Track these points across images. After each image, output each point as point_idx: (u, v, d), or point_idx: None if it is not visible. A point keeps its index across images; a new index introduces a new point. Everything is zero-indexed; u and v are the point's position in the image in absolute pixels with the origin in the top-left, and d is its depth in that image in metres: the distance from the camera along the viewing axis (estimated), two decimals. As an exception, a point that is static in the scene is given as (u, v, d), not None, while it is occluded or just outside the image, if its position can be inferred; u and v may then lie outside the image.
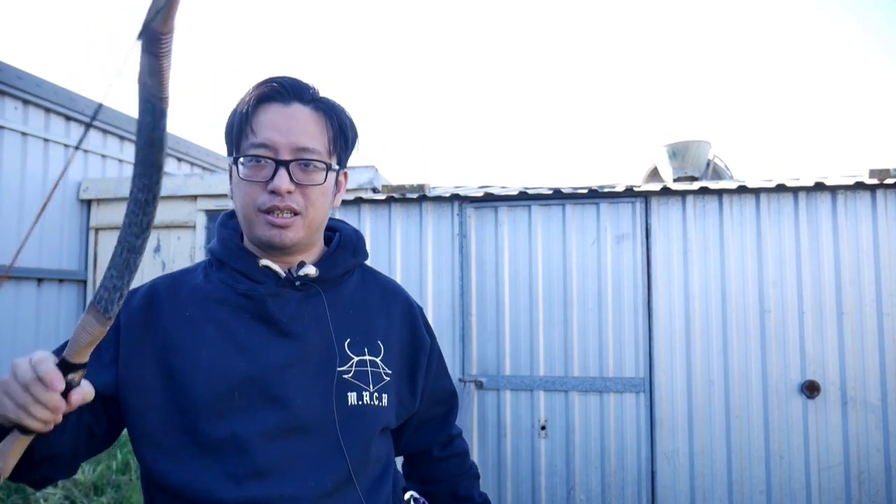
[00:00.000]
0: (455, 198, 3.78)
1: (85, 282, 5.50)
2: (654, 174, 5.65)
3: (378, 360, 1.04)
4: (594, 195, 3.67)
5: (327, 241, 1.13)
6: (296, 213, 0.98)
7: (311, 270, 1.02)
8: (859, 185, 3.43)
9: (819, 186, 3.46)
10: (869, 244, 3.42)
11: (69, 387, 0.73)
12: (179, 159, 7.00)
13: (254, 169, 0.98)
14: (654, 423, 3.50)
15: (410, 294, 1.21)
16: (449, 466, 1.25)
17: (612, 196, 3.66)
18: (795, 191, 3.50)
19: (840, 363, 3.38)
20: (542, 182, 6.16)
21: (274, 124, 0.97)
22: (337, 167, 1.04)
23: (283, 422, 0.94)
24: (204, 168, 7.36)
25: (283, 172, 0.96)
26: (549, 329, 3.63)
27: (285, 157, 0.97)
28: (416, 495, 1.22)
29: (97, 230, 5.53)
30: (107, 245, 5.50)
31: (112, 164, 6.01)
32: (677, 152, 5.24)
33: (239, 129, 0.99)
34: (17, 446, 0.75)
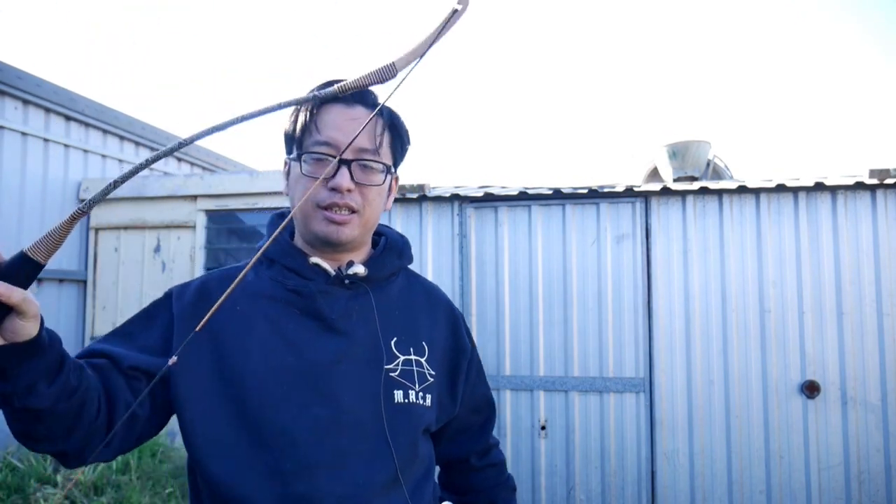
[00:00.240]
0: (455, 198, 3.78)
1: (85, 282, 5.49)
2: (654, 174, 5.65)
3: (423, 360, 1.06)
4: (594, 195, 3.67)
5: (373, 244, 1.15)
6: (353, 211, 1.00)
7: (360, 269, 1.04)
8: (859, 185, 3.43)
9: (819, 186, 3.46)
10: (869, 244, 3.42)
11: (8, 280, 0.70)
12: (179, 159, 7.00)
13: (316, 166, 1.00)
14: (654, 423, 3.50)
15: None
16: (487, 477, 1.25)
17: (612, 196, 3.66)
18: (795, 191, 3.50)
19: (840, 363, 3.38)
20: (542, 182, 6.16)
21: (337, 124, 1.00)
22: (394, 170, 1.07)
23: (332, 417, 0.95)
24: (204, 168, 7.36)
25: (344, 171, 0.98)
26: (549, 329, 3.63)
27: (347, 156, 0.98)
28: None
29: (97, 230, 5.52)
30: (107, 245, 5.50)
31: (112, 164, 6.00)
32: (677, 152, 5.24)
33: (303, 126, 1.01)
34: None
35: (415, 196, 3.74)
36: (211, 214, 5.29)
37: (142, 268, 5.42)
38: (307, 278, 1.02)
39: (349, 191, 0.98)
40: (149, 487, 4.25)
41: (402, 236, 1.17)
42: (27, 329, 0.73)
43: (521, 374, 3.60)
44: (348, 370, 0.98)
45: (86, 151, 5.73)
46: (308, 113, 1.01)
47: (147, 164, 0.72)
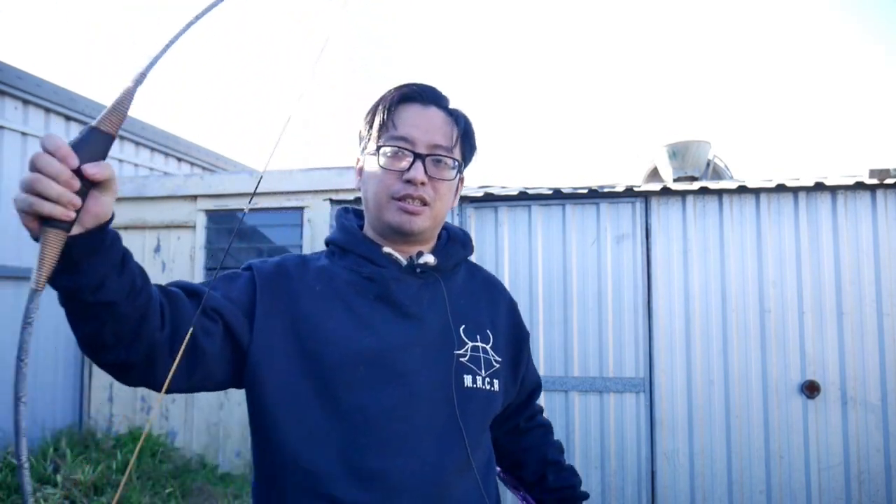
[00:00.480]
0: (455, 198, 3.78)
1: (85, 282, 5.50)
2: (654, 174, 5.65)
3: (488, 347, 1.11)
4: (594, 195, 3.67)
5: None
6: (425, 203, 1.05)
7: (430, 259, 1.10)
8: (859, 185, 3.43)
9: (819, 186, 3.46)
10: (869, 244, 3.42)
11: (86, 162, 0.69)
12: (179, 159, 7.00)
13: (393, 159, 1.05)
14: (654, 423, 3.50)
15: None
16: (534, 435, 1.31)
17: (612, 196, 3.66)
18: (795, 191, 3.50)
19: (840, 363, 3.38)
20: (542, 182, 6.16)
21: (413, 121, 1.06)
22: (463, 168, 1.13)
23: (407, 397, 0.99)
24: (204, 168, 7.36)
25: (419, 164, 1.04)
26: (549, 329, 3.63)
27: (422, 151, 1.05)
28: (503, 475, 1.30)
29: (97, 230, 5.53)
30: (107, 245, 5.50)
31: (112, 164, 6.01)
32: (677, 152, 5.24)
33: (381, 122, 1.07)
34: (48, 247, 0.69)
35: (415, 196, 3.74)
36: (211, 214, 5.28)
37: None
38: (381, 266, 1.07)
39: (423, 183, 1.04)
40: (149, 487, 4.25)
41: (462, 230, 1.23)
42: (110, 207, 0.74)
43: (521, 374, 3.60)
44: (421, 354, 1.03)
45: (86, 151, 5.73)
46: (387, 109, 1.07)
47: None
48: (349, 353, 0.99)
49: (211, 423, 5.10)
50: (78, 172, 0.69)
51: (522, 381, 1.23)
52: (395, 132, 1.05)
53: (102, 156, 0.71)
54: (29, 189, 0.67)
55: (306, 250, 4.97)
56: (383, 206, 1.06)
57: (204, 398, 5.07)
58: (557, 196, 3.69)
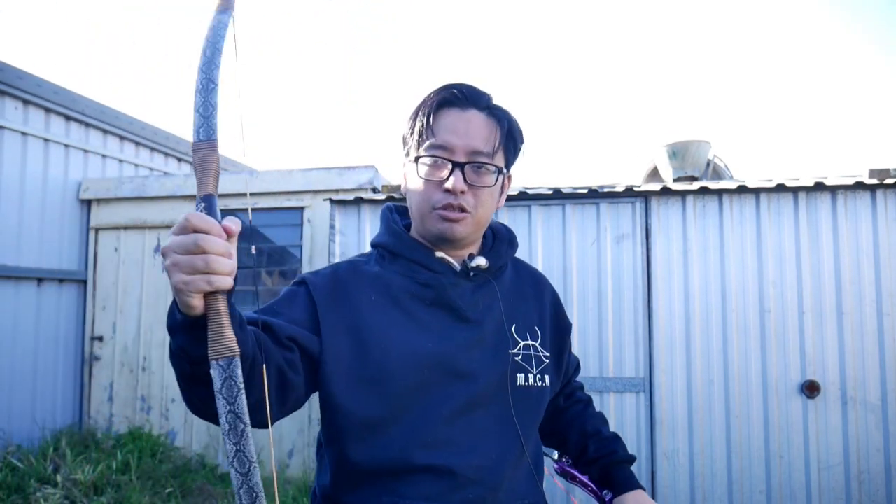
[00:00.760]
0: (455, 198, 3.78)
1: (85, 282, 5.49)
2: (654, 174, 5.65)
3: (537, 344, 1.15)
4: (594, 195, 3.67)
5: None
6: (465, 211, 1.06)
7: (481, 262, 1.11)
8: (859, 185, 3.43)
9: (819, 186, 3.46)
10: (869, 244, 3.42)
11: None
12: (179, 159, 7.00)
13: (432, 169, 1.06)
14: (654, 423, 3.50)
15: None
16: (574, 410, 1.33)
17: (612, 196, 3.66)
18: (795, 191, 3.50)
19: (840, 363, 3.38)
20: (542, 182, 6.16)
21: (452, 128, 1.05)
22: (505, 171, 1.12)
23: (469, 397, 1.03)
24: (204, 168, 7.36)
25: (458, 173, 1.04)
26: (549, 329, 3.62)
27: (461, 158, 1.05)
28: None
29: (97, 230, 5.52)
30: (107, 245, 5.49)
31: (112, 164, 6.00)
32: (677, 152, 5.24)
33: (420, 129, 1.07)
34: (219, 314, 0.71)
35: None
36: (211, 214, 5.28)
37: (142, 268, 5.42)
38: (436, 272, 1.09)
39: (462, 192, 1.04)
40: (149, 487, 4.25)
41: (506, 226, 1.24)
42: (235, 261, 0.76)
43: (521, 374, 3.60)
44: (480, 356, 1.06)
45: (86, 151, 5.73)
46: (426, 117, 1.07)
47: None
48: (412, 357, 1.02)
49: (210, 424, 5.10)
50: None
51: (565, 371, 1.27)
52: (433, 140, 1.05)
53: (218, 214, 0.74)
54: (204, 270, 0.70)
55: (306, 250, 4.97)
56: (426, 215, 1.07)
57: (204, 398, 5.07)
58: (557, 196, 3.69)
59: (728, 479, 3.43)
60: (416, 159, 1.07)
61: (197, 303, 0.72)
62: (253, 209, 5.14)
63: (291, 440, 4.83)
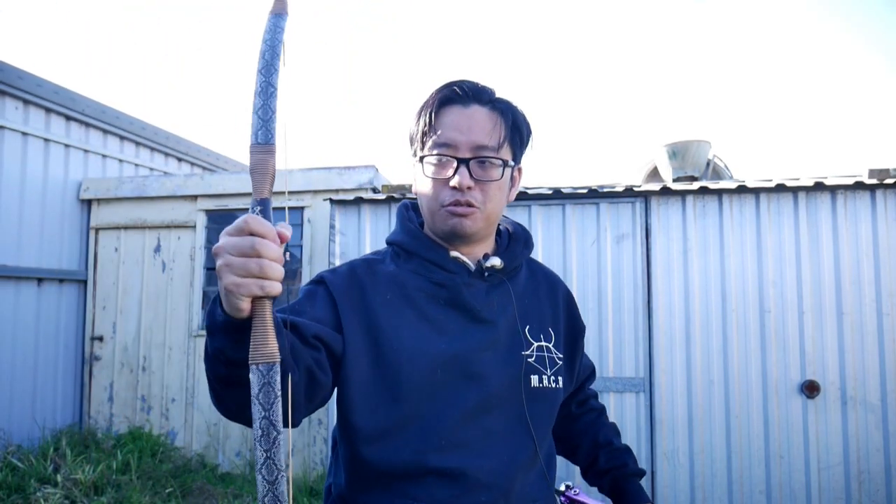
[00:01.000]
0: (455, 198, 3.78)
1: (85, 282, 5.49)
2: (654, 174, 5.65)
3: (551, 345, 1.14)
4: (594, 195, 3.67)
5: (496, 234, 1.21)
6: (474, 207, 1.05)
7: (496, 262, 1.10)
8: (859, 185, 3.43)
9: (819, 186, 3.46)
10: (869, 244, 3.42)
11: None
12: (179, 159, 7.00)
13: (437, 167, 1.06)
14: (654, 423, 3.50)
15: None
16: (587, 419, 1.33)
17: (612, 196, 3.66)
18: (795, 191, 3.50)
19: (840, 363, 3.38)
20: (542, 182, 6.17)
21: (455, 124, 1.05)
22: (512, 164, 1.11)
23: (482, 399, 1.03)
24: (204, 168, 7.36)
25: (463, 170, 1.04)
26: (549, 329, 3.62)
27: (465, 155, 1.04)
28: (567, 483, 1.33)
29: (97, 230, 5.52)
30: (107, 245, 5.49)
31: (112, 164, 6.00)
32: (677, 152, 5.24)
33: (424, 129, 1.07)
34: (266, 320, 0.71)
35: (414, 196, 3.74)
36: (211, 214, 5.29)
37: (142, 268, 5.42)
38: (451, 272, 1.08)
39: (469, 188, 1.04)
40: (149, 487, 4.25)
41: (522, 226, 1.23)
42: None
43: (521, 373, 3.60)
44: (493, 357, 1.06)
45: (86, 151, 5.73)
46: (428, 116, 1.07)
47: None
48: (425, 358, 1.02)
49: (211, 423, 5.10)
50: None
51: (578, 373, 1.26)
52: (437, 138, 1.05)
53: (272, 218, 0.75)
54: (258, 274, 0.70)
55: (306, 250, 4.97)
56: (435, 214, 1.07)
57: (204, 399, 5.08)
58: (557, 196, 3.70)
59: (728, 479, 3.43)
60: (422, 159, 1.08)
61: (245, 306, 0.71)
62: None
63: (292, 439, 4.82)
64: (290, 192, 5.07)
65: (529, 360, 1.09)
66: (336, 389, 1.02)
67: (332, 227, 3.90)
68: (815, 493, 3.35)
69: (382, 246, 1.21)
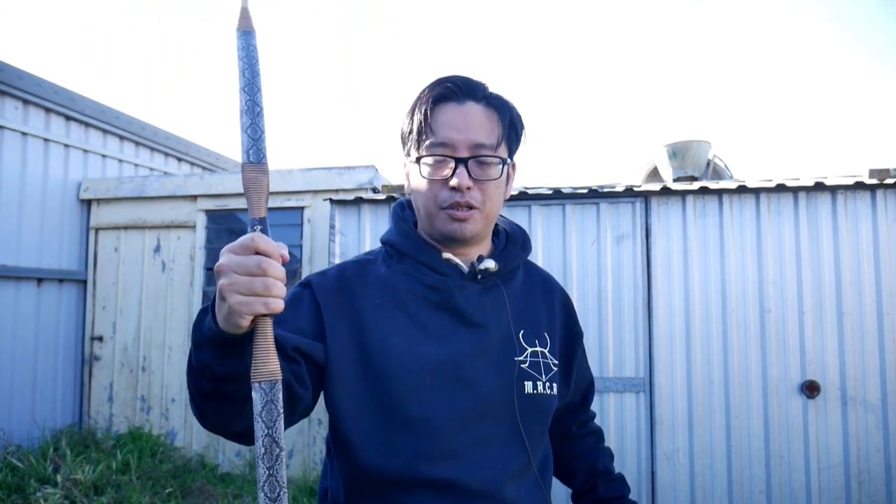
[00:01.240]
0: (455, 198, 3.78)
1: (85, 282, 5.49)
2: (654, 174, 5.65)
3: (546, 350, 1.11)
4: (594, 195, 3.67)
5: (492, 234, 1.18)
6: (473, 208, 1.03)
7: (490, 265, 1.07)
8: (859, 185, 3.43)
9: (819, 186, 3.46)
10: (869, 244, 3.42)
11: None
12: (179, 159, 7.00)
13: (435, 168, 1.03)
14: (654, 423, 3.50)
15: None
16: (586, 442, 1.30)
17: (612, 196, 3.66)
18: (795, 191, 3.50)
19: (840, 363, 3.38)
20: (542, 182, 6.16)
21: (451, 123, 1.02)
22: (509, 161, 1.08)
23: (473, 406, 1.00)
24: (204, 168, 7.36)
25: (462, 170, 1.01)
26: (549, 329, 3.62)
27: (463, 154, 1.02)
28: None
29: (97, 230, 5.52)
30: (107, 245, 5.49)
31: (112, 164, 6.00)
32: (677, 152, 5.24)
33: (418, 128, 1.04)
34: (266, 336, 0.72)
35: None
36: (211, 214, 5.29)
37: (142, 268, 5.42)
38: (443, 274, 1.06)
39: (469, 189, 1.01)
40: (149, 487, 4.25)
41: (520, 227, 1.20)
42: None
43: (521, 374, 3.60)
44: (484, 362, 1.03)
45: (86, 151, 5.73)
46: (423, 115, 1.04)
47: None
48: (414, 364, 0.99)
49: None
50: None
51: (576, 382, 1.23)
52: (433, 138, 1.03)
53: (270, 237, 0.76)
54: (263, 293, 0.70)
55: (306, 250, 4.98)
56: (433, 216, 1.04)
57: (204, 398, 5.07)
58: (557, 196, 3.70)
59: (728, 479, 3.43)
60: (418, 160, 1.05)
61: (247, 324, 0.71)
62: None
63: (291, 440, 4.82)
64: (290, 193, 5.07)
65: (523, 365, 1.06)
66: (325, 397, 1.00)
67: (332, 227, 3.90)
68: (815, 493, 3.35)
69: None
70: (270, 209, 5.07)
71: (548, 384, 1.08)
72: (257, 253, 0.71)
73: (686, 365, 3.50)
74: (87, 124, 5.73)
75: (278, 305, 0.71)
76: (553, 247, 3.70)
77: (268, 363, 0.71)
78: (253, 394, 0.71)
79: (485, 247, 1.12)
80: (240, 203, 5.13)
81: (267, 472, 0.70)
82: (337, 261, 3.83)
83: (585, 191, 3.67)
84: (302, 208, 5.04)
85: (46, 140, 5.33)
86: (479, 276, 1.07)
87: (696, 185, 3.64)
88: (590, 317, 3.60)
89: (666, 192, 3.62)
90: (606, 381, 3.55)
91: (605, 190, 3.68)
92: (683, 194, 3.60)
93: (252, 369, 0.71)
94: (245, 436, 0.90)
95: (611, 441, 3.51)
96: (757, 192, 3.52)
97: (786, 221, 3.50)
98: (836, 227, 3.45)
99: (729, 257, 3.52)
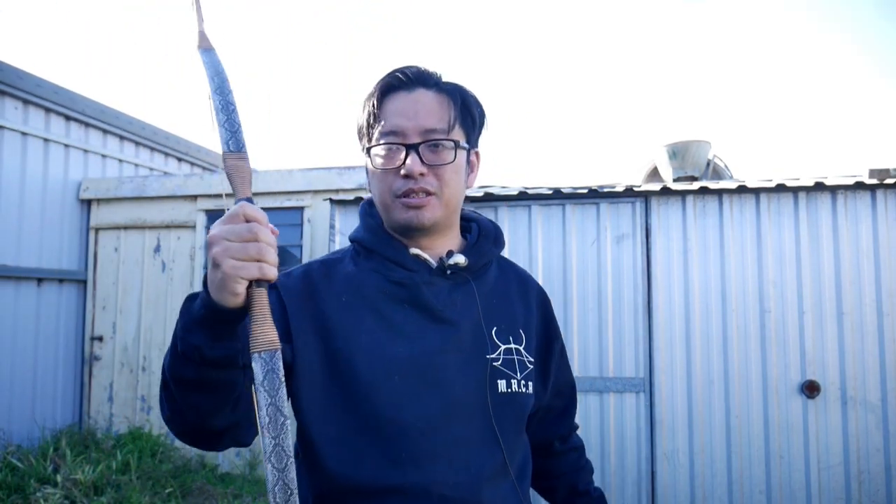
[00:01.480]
0: (455, 198, 3.78)
1: (85, 282, 5.49)
2: (654, 174, 5.65)
3: (521, 348, 1.07)
4: (594, 195, 3.67)
5: (464, 230, 1.15)
6: (430, 194, 1.00)
7: (460, 259, 1.04)
8: (859, 185, 3.43)
9: (819, 186, 3.46)
10: (869, 244, 3.42)
11: None
12: (179, 159, 7.00)
13: (386, 157, 1.00)
14: (654, 423, 3.50)
15: None
16: (568, 460, 1.26)
17: (612, 196, 3.66)
18: (795, 191, 3.50)
19: (840, 363, 3.38)
20: (542, 182, 6.17)
21: (400, 111, 1.00)
22: (466, 146, 1.05)
23: (443, 407, 0.97)
24: (204, 168, 7.36)
25: (413, 156, 0.98)
26: (549, 329, 3.62)
27: (414, 140, 0.99)
28: None
29: (97, 230, 5.52)
30: (107, 245, 5.49)
31: (112, 164, 6.00)
32: (677, 152, 5.24)
33: (369, 120, 1.03)
34: (262, 306, 0.72)
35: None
36: (211, 214, 5.29)
37: (142, 268, 5.42)
38: (410, 269, 1.02)
39: (422, 175, 0.98)
40: (149, 487, 4.25)
41: (493, 223, 1.17)
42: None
43: (521, 374, 3.60)
44: (455, 360, 0.99)
45: (86, 151, 5.73)
46: (372, 105, 1.02)
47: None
48: (382, 363, 0.96)
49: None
50: None
51: (555, 383, 1.18)
52: (382, 127, 1.00)
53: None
54: (257, 257, 0.71)
55: (306, 250, 4.98)
56: (389, 206, 1.02)
57: (204, 398, 5.08)
58: (557, 196, 3.69)
59: (728, 479, 3.43)
60: (368, 150, 1.02)
61: (241, 290, 0.71)
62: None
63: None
64: (290, 193, 5.07)
65: (496, 363, 1.02)
66: (291, 401, 0.97)
67: (332, 227, 3.90)
68: (815, 493, 3.35)
69: None
70: (271, 209, 5.08)
71: (523, 382, 1.04)
72: (247, 220, 0.72)
73: (686, 365, 3.50)
74: (87, 124, 5.73)
75: (271, 271, 0.72)
76: (553, 247, 3.70)
77: (266, 333, 0.71)
78: (253, 364, 0.71)
79: (454, 241, 1.09)
80: (240, 203, 5.13)
81: (273, 441, 0.69)
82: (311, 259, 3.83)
83: (585, 191, 3.67)
84: (302, 208, 5.04)
85: (46, 140, 5.33)
86: (449, 272, 1.03)
87: (696, 185, 3.64)
88: (590, 317, 3.60)
89: (666, 192, 3.62)
90: (606, 381, 3.55)
91: (605, 190, 3.68)
92: (683, 194, 3.60)
93: (250, 339, 0.71)
94: (222, 435, 0.88)
95: (611, 441, 3.51)
96: (757, 192, 3.52)
97: (786, 221, 3.50)
98: (836, 227, 3.45)
99: (729, 257, 3.52)
